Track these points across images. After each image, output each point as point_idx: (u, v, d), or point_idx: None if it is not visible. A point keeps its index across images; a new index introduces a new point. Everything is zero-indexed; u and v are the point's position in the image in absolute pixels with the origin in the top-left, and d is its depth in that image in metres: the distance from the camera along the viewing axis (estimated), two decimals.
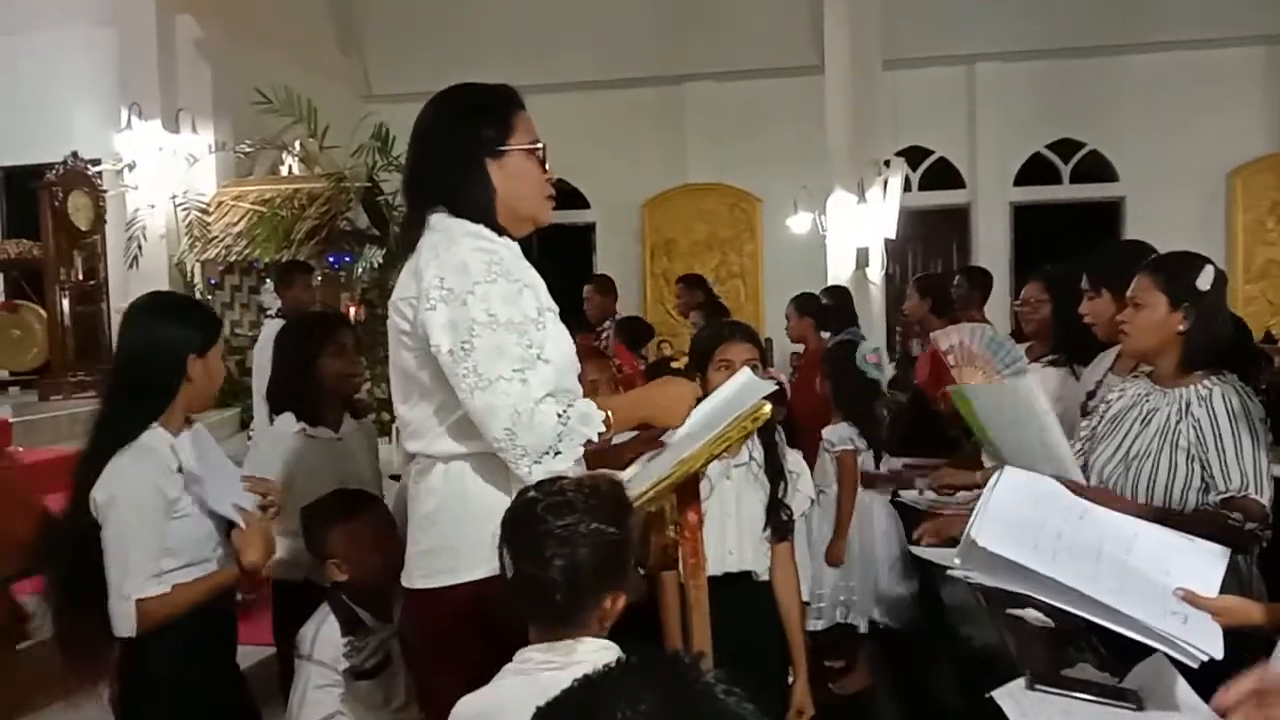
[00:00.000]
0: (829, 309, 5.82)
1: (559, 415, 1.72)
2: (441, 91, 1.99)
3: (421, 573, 1.88)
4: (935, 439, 4.08)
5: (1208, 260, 2.32)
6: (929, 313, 5.29)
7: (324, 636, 2.39)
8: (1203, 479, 2.24)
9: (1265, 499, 2.17)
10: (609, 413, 1.79)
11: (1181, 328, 2.29)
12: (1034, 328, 3.55)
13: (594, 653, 1.48)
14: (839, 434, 3.95)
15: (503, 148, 1.90)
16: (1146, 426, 2.33)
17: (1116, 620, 1.66)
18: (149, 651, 2.10)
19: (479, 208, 1.88)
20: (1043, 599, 1.73)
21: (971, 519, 1.81)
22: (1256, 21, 9.51)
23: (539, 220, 1.97)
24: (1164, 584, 1.76)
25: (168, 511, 2.11)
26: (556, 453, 1.72)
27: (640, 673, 0.86)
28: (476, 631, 1.68)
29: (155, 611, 2.07)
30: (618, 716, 0.79)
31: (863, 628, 4.06)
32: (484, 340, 1.72)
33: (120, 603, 2.05)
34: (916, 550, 2.65)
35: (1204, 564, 1.83)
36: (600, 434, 1.77)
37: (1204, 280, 2.28)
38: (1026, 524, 1.82)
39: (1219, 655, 1.62)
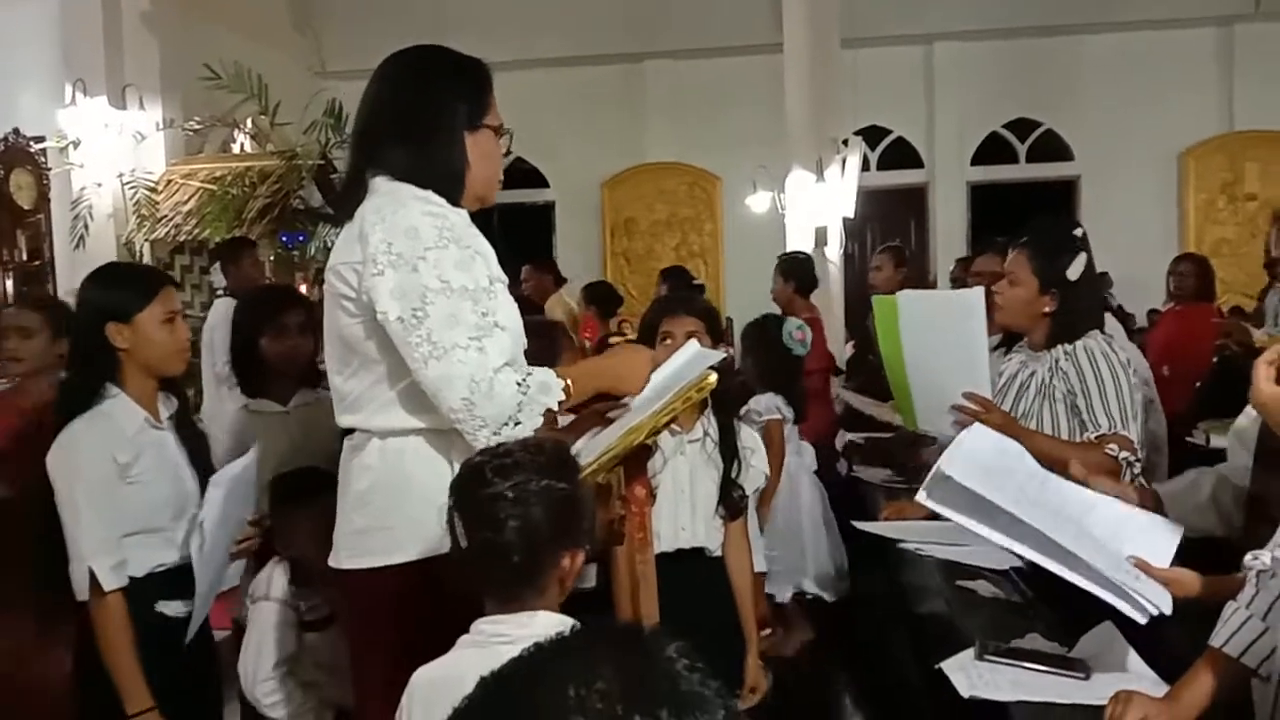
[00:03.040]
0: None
1: (518, 384, 1.68)
2: (416, 50, 1.92)
3: (350, 553, 1.82)
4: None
5: (1082, 249, 2.51)
6: (794, 293, 5.31)
7: (280, 577, 2.38)
8: (1078, 425, 2.43)
9: (1134, 434, 2.39)
10: (568, 381, 1.76)
11: (1048, 309, 2.51)
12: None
13: (550, 627, 1.45)
14: (765, 404, 3.96)
15: (479, 124, 1.86)
16: (1027, 390, 2.53)
17: (1074, 566, 1.66)
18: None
19: (448, 178, 1.82)
20: (1000, 542, 1.73)
21: (944, 455, 1.83)
22: (1208, 4, 9.62)
23: (488, 200, 1.92)
24: (1118, 549, 1.77)
25: (120, 476, 2.12)
26: (516, 422, 1.67)
27: (597, 645, 0.80)
28: (408, 614, 1.64)
29: (103, 618, 2.08)
30: (570, 693, 0.73)
31: (781, 597, 4.07)
32: (437, 307, 1.67)
33: (76, 566, 2.08)
34: (864, 525, 2.65)
35: (1158, 537, 1.84)
36: (560, 402, 1.74)
37: (1074, 270, 2.49)
38: (993, 470, 1.84)
39: (1169, 611, 1.64)
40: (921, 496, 1.78)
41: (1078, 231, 2.57)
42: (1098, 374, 2.42)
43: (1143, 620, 1.64)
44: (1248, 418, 1.99)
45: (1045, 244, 2.54)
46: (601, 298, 6.27)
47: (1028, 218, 2.76)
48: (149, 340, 2.21)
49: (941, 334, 2.45)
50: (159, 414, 2.27)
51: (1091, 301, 2.65)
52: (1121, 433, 2.38)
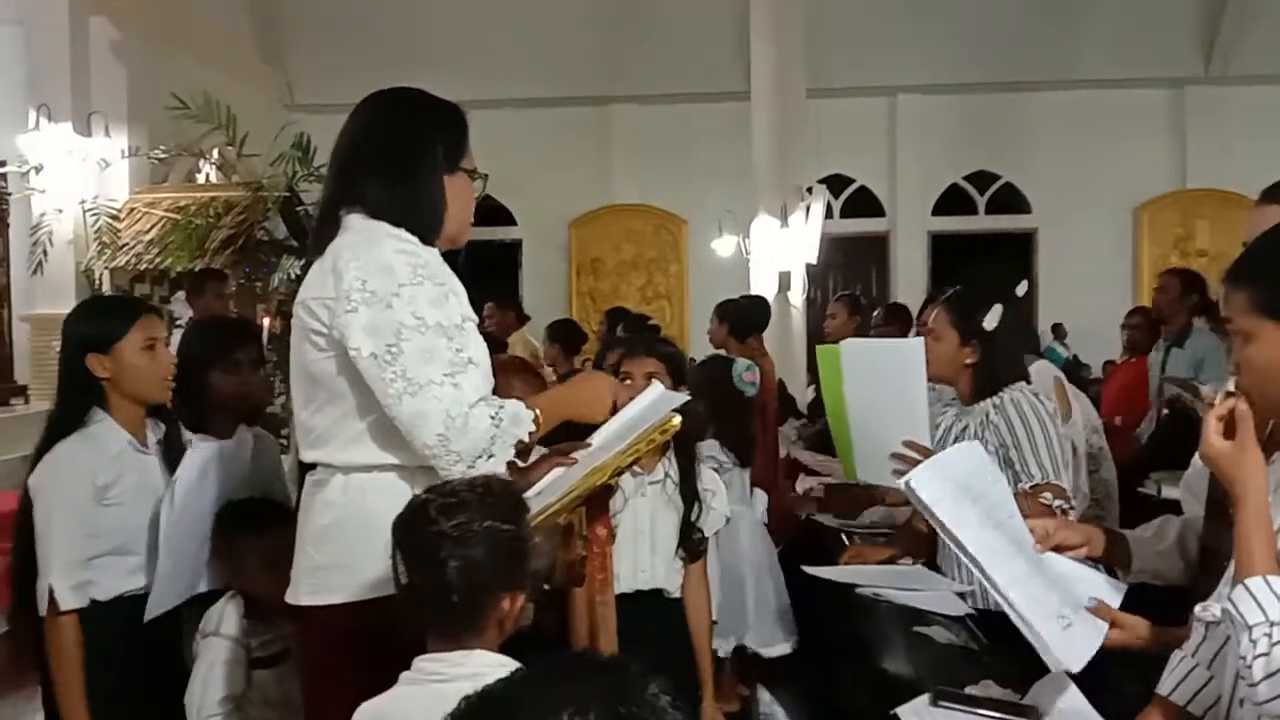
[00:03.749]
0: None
1: (492, 418, 1.69)
2: (395, 91, 1.94)
3: (310, 589, 1.80)
4: None
5: (996, 300, 2.57)
6: (728, 335, 5.38)
7: (230, 612, 2.35)
8: (1011, 476, 2.45)
9: (1066, 482, 2.46)
10: (537, 412, 1.77)
11: (970, 361, 2.56)
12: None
13: (488, 666, 1.44)
14: (703, 452, 3.86)
15: (457, 166, 1.88)
16: (961, 441, 2.52)
17: (1003, 601, 1.70)
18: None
19: (428, 218, 1.83)
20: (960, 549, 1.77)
21: (918, 468, 1.87)
22: (1160, 65, 9.94)
23: (458, 242, 1.94)
24: (1069, 588, 1.80)
25: (97, 498, 2.16)
26: (490, 455, 1.68)
27: (586, 676, 0.83)
28: (368, 652, 1.62)
29: (55, 637, 2.11)
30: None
31: (723, 652, 3.72)
32: (412, 344, 1.67)
33: (41, 581, 2.11)
34: (816, 571, 2.66)
35: (1105, 590, 1.88)
36: (530, 433, 1.75)
37: (990, 320, 2.54)
38: (963, 490, 1.88)
39: (1075, 669, 1.67)
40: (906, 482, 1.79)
41: (1021, 288, 2.65)
42: (1027, 427, 2.47)
43: (1053, 669, 1.67)
44: (1195, 469, 2.03)
45: (962, 298, 2.62)
46: (566, 336, 6.27)
47: (987, 267, 2.81)
48: (129, 368, 2.23)
49: (883, 383, 2.47)
50: (146, 439, 2.30)
51: (1011, 351, 2.69)
52: (1055, 482, 2.43)
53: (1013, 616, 1.68)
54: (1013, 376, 2.59)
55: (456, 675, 1.43)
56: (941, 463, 1.90)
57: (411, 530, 1.49)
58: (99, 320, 2.29)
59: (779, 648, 3.93)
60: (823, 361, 2.60)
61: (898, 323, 5.46)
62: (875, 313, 5.68)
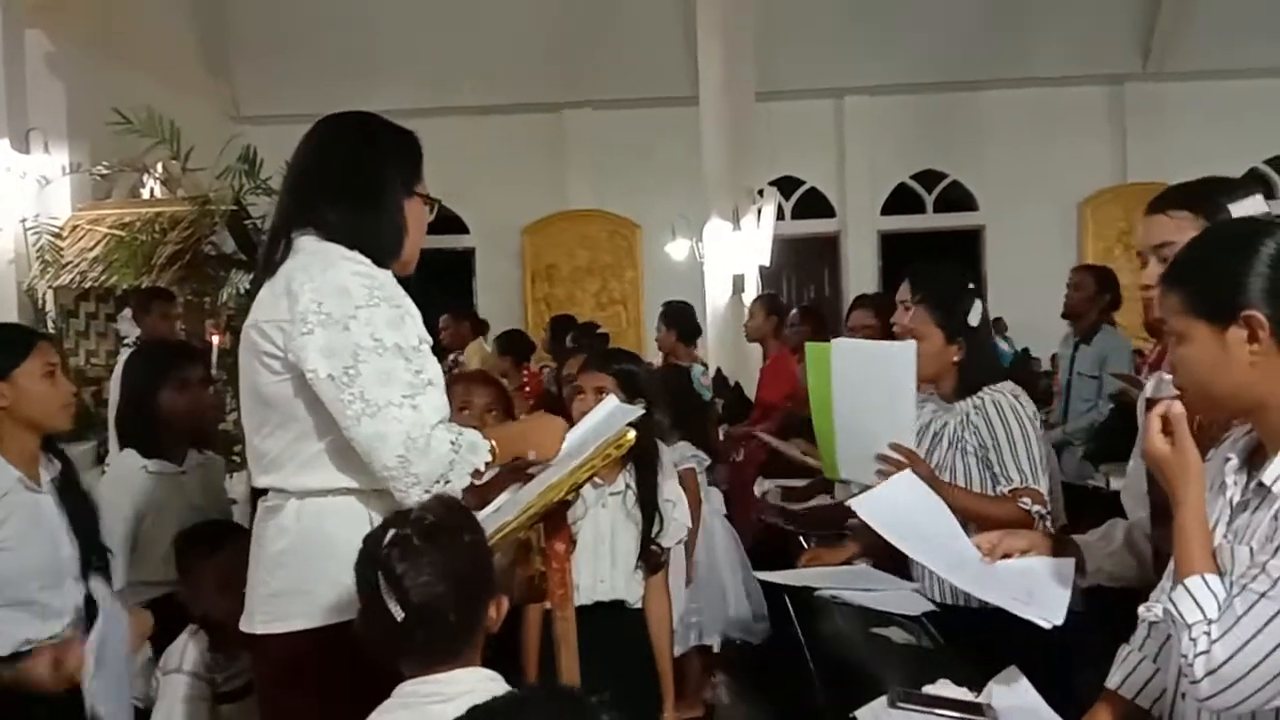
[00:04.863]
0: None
1: (452, 443, 1.69)
2: (352, 115, 1.94)
3: (265, 617, 1.78)
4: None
5: (977, 296, 2.57)
6: (677, 341, 5.46)
7: (193, 648, 2.31)
8: (990, 478, 2.48)
9: (1043, 487, 2.45)
10: (493, 443, 1.77)
11: (956, 358, 2.54)
12: None
13: (480, 682, 1.47)
14: (680, 453, 3.99)
15: (413, 191, 1.89)
16: (940, 441, 2.55)
17: (979, 587, 1.83)
18: None
19: (389, 242, 1.84)
20: (917, 557, 1.89)
21: (860, 497, 2.01)
22: (1100, 62, 10.14)
23: (409, 268, 1.94)
24: (1021, 581, 1.86)
25: None
26: (447, 480, 1.68)
27: (543, 706, 0.90)
28: (326, 679, 1.62)
29: None
30: None
31: (717, 647, 4.10)
32: (370, 365, 1.67)
33: None
34: (769, 576, 2.69)
35: (1053, 571, 1.93)
36: (486, 463, 1.74)
37: (974, 316, 2.54)
38: (903, 521, 1.97)
39: (1059, 621, 1.74)
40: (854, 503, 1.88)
41: (969, 280, 2.67)
42: (1008, 429, 2.45)
43: (1046, 626, 1.73)
44: (1133, 470, 2.07)
45: (943, 294, 2.59)
46: (515, 347, 6.23)
47: (925, 263, 2.82)
48: (30, 395, 2.14)
49: (872, 384, 2.47)
50: (39, 476, 2.18)
51: (992, 347, 2.71)
52: (1033, 486, 2.42)
53: (989, 597, 1.78)
54: (995, 374, 2.59)
55: (455, 694, 1.43)
56: (883, 495, 2.01)
57: (399, 562, 1.47)
58: None
59: (756, 636, 4.06)
60: (812, 359, 2.59)
61: (810, 324, 5.54)
62: (791, 313, 5.77)
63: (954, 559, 1.91)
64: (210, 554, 2.36)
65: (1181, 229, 1.73)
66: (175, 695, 2.27)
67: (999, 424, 2.47)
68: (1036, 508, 2.40)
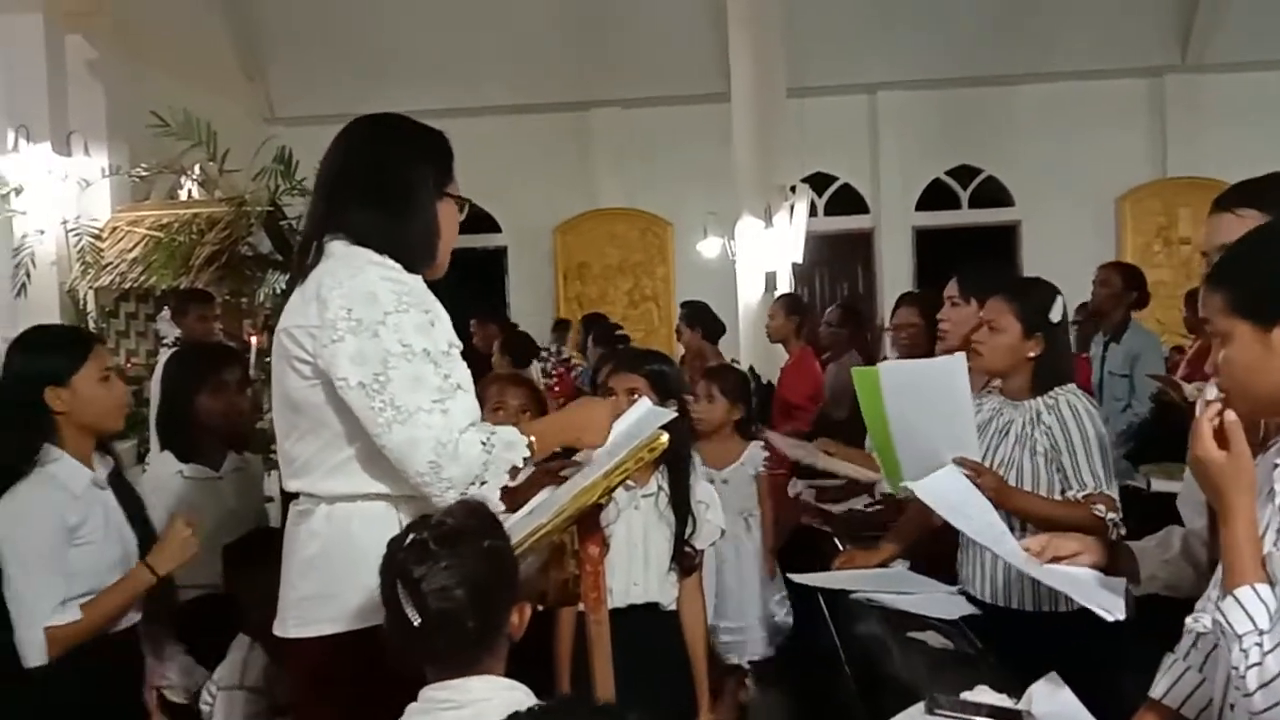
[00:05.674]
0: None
1: (483, 444, 1.68)
2: (382, 117, 1.94)
3: (297, 621, 1.79)
4: None
5: (1058, 291, 2.52)
6: (704, 340, 5.39)
7: (253, 662, 2.32)
8: (1060, 480, 2.43)
9: (1114, 493, 2.41)
10: (532, 438, 1.76)
11: (1033, 353, 2.47)
12: (905, 352, 3.63)
13: (497, 691, 1.46)
14: (755, 456, 3.95)
15: (444, 193, 1.89)
16: (1006, 437, 2.50)
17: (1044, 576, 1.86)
18: (48, 684, 2.09)
19: (422, 245, 1.84)
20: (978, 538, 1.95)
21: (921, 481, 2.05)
22: (1138, 54, 9.98)
23: (440, 270, 1.94)
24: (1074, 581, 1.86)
25: (69, 539, 2.13)
26: (483, 481, 1.68)
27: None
28: (357, 682, 1.62)
29: (67, 636, 2.09)
30: None
31: (758, 656, 3.94)
32: (400, 371, 1.67)
33: (27, 632, 2.07)
34: (803, 578, 2.66)
35: (1104, 584, 1.90)
36: (525, 459, 1.74)
37: (1056, 312, 2.48)
38: (961, 505, 2.00)
39: (1122, 616, 1.74)
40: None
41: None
42: (1083, 433, 2.40)
43: (1109, 618, 1.72)
44: (1190, 480, 2.02)
45: (1025, 288, 2.55)
46: (516, 348, 6.17)
47: (971, 261, 2.78)
48: (88, 400, 2.22)
49: (926, 401, 2.41)
50: (98, 474, 2.28)
51: (1069, 346, 2.62)
52: (1106, 492, 2.38)
53: (1042, 579, 1.82)
54: (1067, 375, 2.52)
55: (467, 702, 1.44)
56: (944, 481, 2.05)
57: (414, 568, 1.47)
58: (53, 354, 2.25)
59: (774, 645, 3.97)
60: (860, 384, 2.55)
61: (850, 326, 5.40)
62: (829, 312, 5.64)
63: (1009, 550, 1.92)
64: (260, 565, 2.36)
65: (1248, 228, 1.66)
66: (236, 713, 2.28)
67: (1074, 427, 2.40)
68: (1110, 515, 2.36)
